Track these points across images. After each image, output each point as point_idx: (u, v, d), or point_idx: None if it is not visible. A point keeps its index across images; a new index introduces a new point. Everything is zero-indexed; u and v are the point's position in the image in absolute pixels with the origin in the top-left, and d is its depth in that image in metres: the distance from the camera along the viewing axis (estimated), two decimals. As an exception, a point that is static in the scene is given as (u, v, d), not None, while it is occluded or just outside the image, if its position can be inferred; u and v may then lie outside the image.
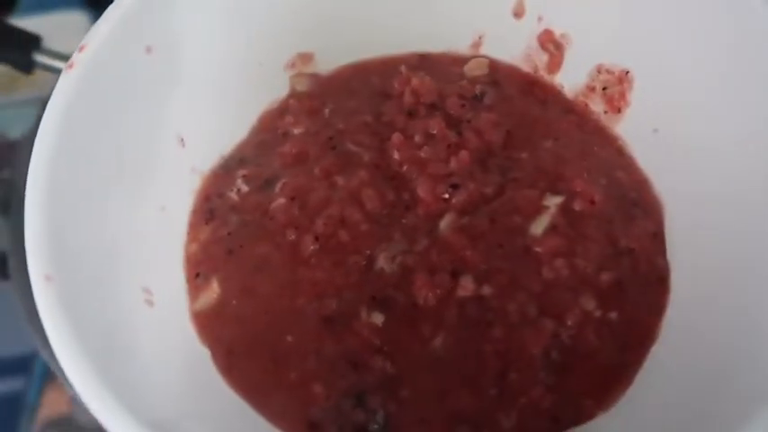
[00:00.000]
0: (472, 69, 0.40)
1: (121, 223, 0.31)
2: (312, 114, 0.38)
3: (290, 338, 0.32)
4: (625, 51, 0.37)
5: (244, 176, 0.36)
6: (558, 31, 0.39)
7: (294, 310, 0.32)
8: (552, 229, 0.33)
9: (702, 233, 0.33)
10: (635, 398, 0.30)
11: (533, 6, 0.39)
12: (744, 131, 0.32)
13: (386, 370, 0.31)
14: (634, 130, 0.37)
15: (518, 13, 0.39)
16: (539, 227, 0.34)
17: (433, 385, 0.31)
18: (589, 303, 0.32)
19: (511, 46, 0.40)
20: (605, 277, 0.33)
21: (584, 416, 0.30)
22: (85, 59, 0.30)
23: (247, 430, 0.30)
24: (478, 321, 0.32)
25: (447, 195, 0.34)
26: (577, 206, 0.34)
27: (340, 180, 0.35)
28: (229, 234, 0.34)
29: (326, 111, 0.38)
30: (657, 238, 0.35)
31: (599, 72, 0.38)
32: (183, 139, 0.35)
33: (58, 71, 0.35)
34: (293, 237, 0.34)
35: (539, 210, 0.34)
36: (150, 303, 0.31)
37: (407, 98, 0.38)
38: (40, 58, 0.44)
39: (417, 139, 0.36)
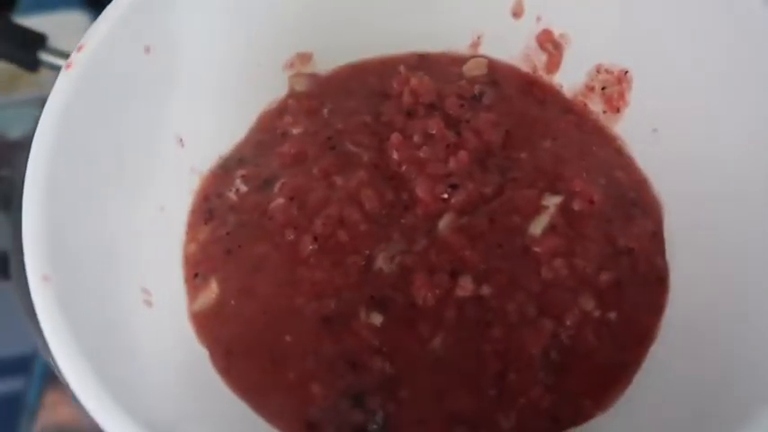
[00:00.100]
0: (471, 69, 0.40)
1: (120, 223, 0.31)
2: (311, 114, 0.38)
3: (288, 338, 0.32)
4: (624, 51, 0.37)
5: (242, 176, 0.36)
6: (556, 31, 0.39)
7: (293, 311, 0.32)
8: (551, 228, 0.33)
9: (701, 233, 0.33)
10: (634, 398, 0.30)
11: (532, 6, 0.39)
12: (743, 131, 0.32)
13: (385, 370, 0.31)
14: (633, 130, 0.37)
15: (517, 13, 0.39)
16: (538, 227, 0.34)
17: (432, 385, 0.31)
18: (588, 303, 0.32)
19: (510, 46, 0.40)
20: (604, 277, 0.33)
21: (583, 416, 0.30)
22: (84, 59, 0.30)
23: (246, 430, 0.30)
24: (477, 321, 0.32)
25: (446, 195, 0.34)
26: (576, 206, 0.34)
27: (339, 180, 0.35)
28: (228, 234, 0.34)
29: (325, 111, 0.38)
30: (656, 237, 0.35)
31: (598, 72, 0.38)
32: (181, 139, 0.35)
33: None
34: (292, 237, 0.34)
35: (538, 210, 0.34)
36: (149, 303, 0.31)
37: (406, 98, 0.38)
38: (45, 56, 0.44)
39: (416, 139, 0.36)
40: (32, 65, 0.44)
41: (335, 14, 0.39)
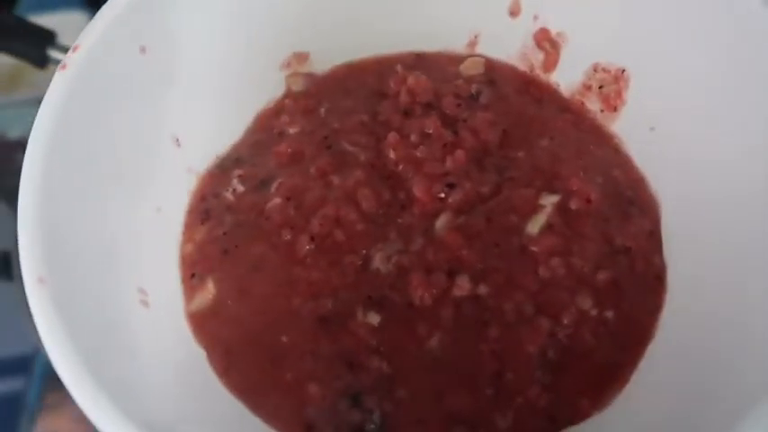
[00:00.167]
0: (468, 68, 0.40)
1: (116, 224, 0.31)
2: (308, 114, 0.38)
3: (285, 339, 0.32)
4: (621, 50, 0.37)
5: (239, 176, 0.36)
6: (553, 30, 0.39)
7: (290, 311, 0.32)
8: (548, 228, 0.33)
9: (699, 231, 0.33)
10: (631, 397, 0.30)
11: (529, 5, 0.39)
12: (741, 130, 0.32)
13: (382, 370, 0.31)
14: (630, 129, 0.37)
15: (514, 12, 0.39)
16: (535, 226, 0.34)
17: (430, 385, 0.31)
18: (585, 302, 0.32)
19: (507, 45, 0.40)
20: (602, 276, 0.33)
21: (581, 415, 0.30)
22: (79, 59, 0.30)
23: (243, 431, 0.30)
24: (475, 321, 0.32)
25: (443, 195, 0.34)
26: (573, 205, 0.34)
27: (336, 179, 0.35)
28: (225, 234, 0.34)
29: (322, 110, 0.38)
30: (654, 236, 0.35)
31: (595, 71, 0.38)
32: (178, 139, 0.35)
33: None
34: (289, 237, 0.33)
35: (535, 209, 0.34)
36: (145, 304, 0.31)
37: (403, 97, 0.38)
38: (53, 53, 0.44)
39: (413, 138, 0.36)
40: (41, 61, 0.45)
41: (332, 14, 0.39)
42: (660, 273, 0.34)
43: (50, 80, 0.29)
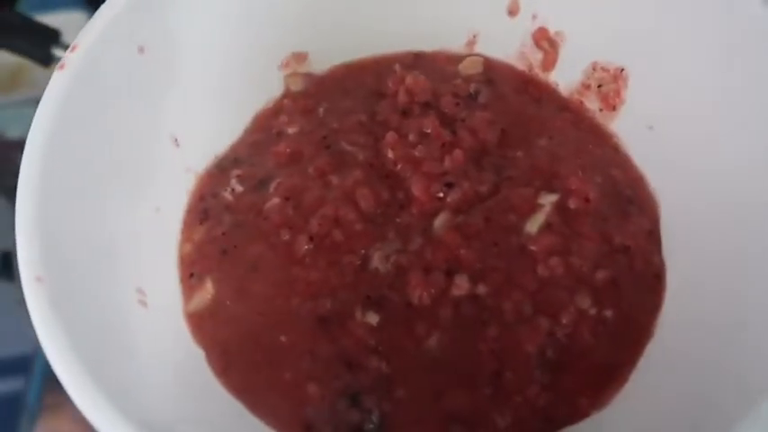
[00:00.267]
0: (467, 68, 0.40)
1: (115, 223, 0.31)
2: (306, 114, 0.38)
3: (284, 339, 0.31)
4: (620, 49, 0.37)
5: (238, 176, 0.36)
6: (552, 29, 0.39)
7: (288, 311, 0.32)
8: (547, 227, 0.33)
9: (698, 230, 0.33)
10: (630, 396, 0.30)
11: (527, 4, 0.39)
12: (740, 129, 0.32)
13: (381, 370, 0.31)
14: (629, 128, 0.37)
15: (512, 12, 0.39)
16: (534, 225, 0.33)
17: (429, 385, 0.31)
18: (584, 301, 0.32)
19: (505, 44, 0.40)
20: (600, 275, 0.33)
21: (579, 414, 0.30)
22: (77, 59, 0.30)
23: (242, 430, 0.30)
24: (473, 320, 0.32)
25: (441, 194, 0.34)
26: (572, 204, 0.34)
27: (334, 179, 0.35)
28: (223, 234, 0.34)
29: (321, 110, 0.38)
30: (653, 235, 0.34)
31: (594, 70, 0.38)
32: (177, 139, 0.35)
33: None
34: (287, 237, 0.33)
35: (533, 208, 0.34)
36: (144, 304, 0.31)
37: (402, 97, 0.38)
38: (58, 52, 0.45)
39: (412, 137, 0.36)
40: (46, 60, 0.45)
41: (331, 14, 0.39)
42: (659, 272, 0.34)
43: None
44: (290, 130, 0.38)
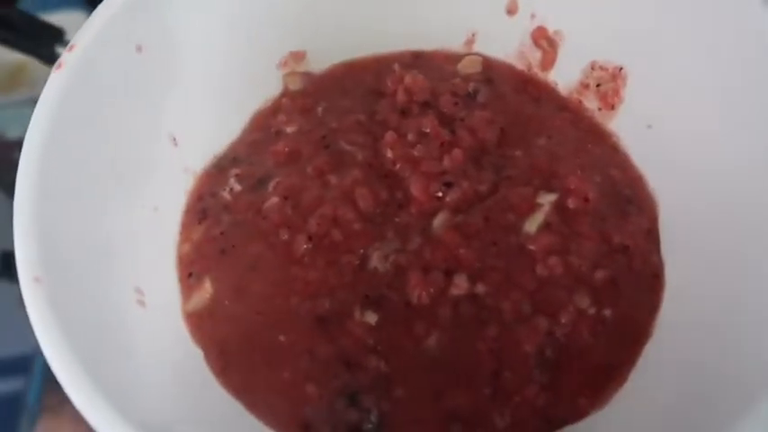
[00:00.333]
0: (465, 67, 0.40)
1: (113, 223, 0.31)
2: (305, 113, 0.38)
3: (283, 338, 0.31)
4: (619, 48, 0.37)
5: (236, 176, 0.36)
6: (551, 28, 0.39)
7: (287, 310, 0.32)
8: (546, 226, 0.33)
9: (697, 229, 0.33)
10: (629, 396, 0.30)
11: (526, 3, 0.39)
12: (739, 128, 0.32)
13: (379, 369, 0.31)
14: (628, 127, 0.37)
15: (511, 11, 0.39)
16: (533, 225, 0.33)
17: (427, 384, 0.31)
18: (583, 301, 0.32)
19: (504, 43, 0.40)
20: (599, 275, 0.33)
21: (578, 414, 0.30)
22: (74, 59, 0.30)
23: (240, 430, 0.30)
24: (472, 320, 0.32)
25: (440, 194, 0.34)
26: (571, 204, 0.34)
27: (333, 179, 0.35)
28: (222, 234, 0.34)
29: (319, 109, 0.38)
30: (652, 235, 0.34)
31: (593, 69, 0.38)
32: (175, 139, 0.35)
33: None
34: (286, 236, 0.33)
35: (533, 207, 0.34)
36: (142, 304, 0.31)
37: (400, 96, 0.37)
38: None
39: (410, 137, 0.36)
40: (50, 58, 0.45)
41: (329, 13, 0.39)
42: (658, 271, 0.34)
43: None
44: (289, 130, 0.38)
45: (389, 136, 0.36)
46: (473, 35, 0.41)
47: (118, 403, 0.24)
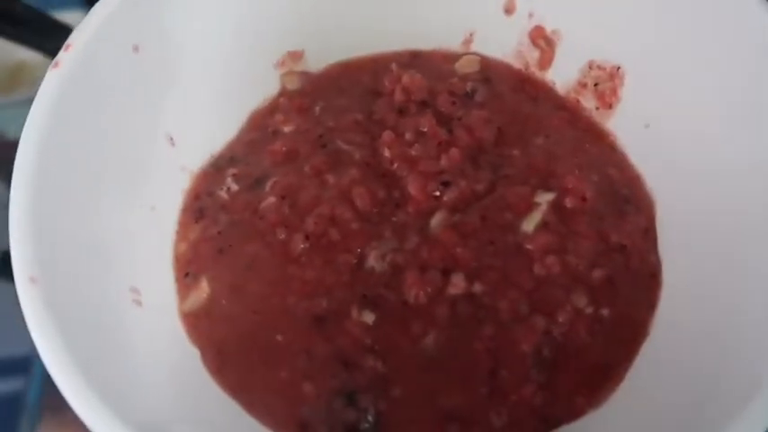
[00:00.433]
0: (463, 66, 0.40)
1: (109, 223, 0.31)
2: (302, 112, 0.38)
3: (280, 338, 0.31)
4: (616, 47, 0.37)
5: (234, 175, 0.36)
6: (549, 28, 0.39)
7: (284, 310, 0.32)
8: (543, 226, 0.33)
9: (694, 229, 0.33)
10: (626, 395, 0.30)
11: (524, 3, 0.39)
12: (737, 127, 0.32)
13: (377, 369, 0.31)
14: (625, 126, 0.37)
15: (509, 10, 0.39)
16: (530, 224, 0.33)
17: (424, 384, 0.31)
18: (581, 300, 0.32)
19: (502, 43, 0.40)
20: (597, 274, 0.33)
21: (575, 413, 0.30)
22: (71, 58, 0.30)
23: (237, 430, 0.30)
24: (469, 319, 0.32)
25: (438, 193, 0.34)
26: (569, 203, 0.34)
27: (330, 178, 0.35)
28: (219, 233, 0.34)
29: (317, 109, 0.38)
30: (649, 234, 0.34)
31: (590, 68, 0.38)
32: (172, 138, 0.35)
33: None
34: (283, 236, 0.33)
35: (530, 207, 0.34)
36: (139, 303, 0.30)
37: (398, 96, 0.37)
38: None
39: (408, 136, 0.36)
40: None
41: (327, 12, 0.39)
42: (655, 270, 0.34)
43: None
44: (286, 129, 0.38)
45: (387, 135, 0.36)
46: (471, 35, 0.41)
47: (114, 403, 0.24)
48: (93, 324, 0.27)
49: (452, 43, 0.41)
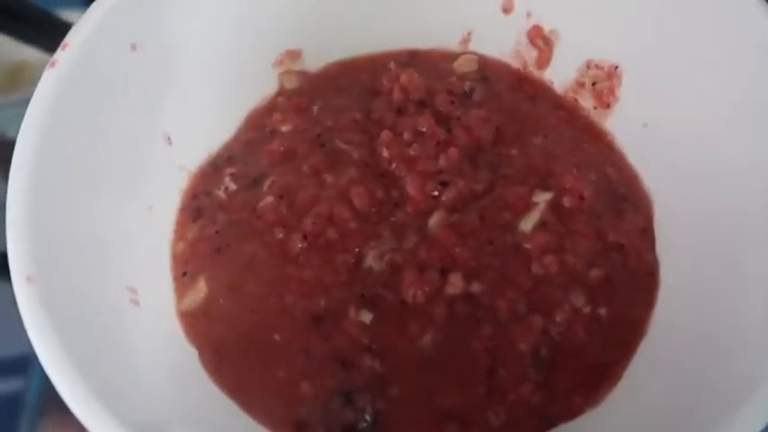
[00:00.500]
0: (461, 66, 0.40)
1: (107, 222, 0.31)
2: (300, 112, 0.38)
3: (277, 337, 0.31)
4: (614, 47, 0.37)
5: (232, 175, 0.36)
6: (547, 27, 0.39)
7: (282, 309, 0.32)
8: (541, 225, 0.33)
9: (692, 228, 0.33)
10: (624, 394, 0.30)
11: (522, 2, 0.39)
12: (735, 127, 0.32)
13: (374, 368, 0.31)
14: (623, 126, 0.37)
15: (507, 9, 0.39)
16: (528, 223, 0.33)
17: (422, 383, 0.31)
18: (578, 299, 0.32)
19: (500, 42, 0.40)
20: (595, 273, 0.33)
21: (573, 412, 0.30)
22: (68, 58, 0.30)
23: (235, 430, 0.30)
24: (467, 319, 0.32)
25: (436, 193, 0.34)
26: (567, 202, 0.34)
27: (329, 178, 0.35)
28: (217, 233, 0.34)
29: (315, 108, 0.38)
30: (647, 233, 0.34)
31: (588, 67, 0.38)
32: (170, 138, 0.35)
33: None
34: (281, 235, 0.33)
35: (528, 206, 0.34)
36: (136, 303, 0.30)
37: (396, 95, 0.37)
38: None
39: (406, 136, 0.36)
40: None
41: (325, 12, 0.39)
42: (653, 270, 0.34)
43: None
44: (284, 129, 0.37)
45: (385, 135, 0.36)
46: (469, 34, 0.41)
47: (111, 403, 0.24)
48: (90, 323, 0.27)
49: (450, 42, 0.41)
